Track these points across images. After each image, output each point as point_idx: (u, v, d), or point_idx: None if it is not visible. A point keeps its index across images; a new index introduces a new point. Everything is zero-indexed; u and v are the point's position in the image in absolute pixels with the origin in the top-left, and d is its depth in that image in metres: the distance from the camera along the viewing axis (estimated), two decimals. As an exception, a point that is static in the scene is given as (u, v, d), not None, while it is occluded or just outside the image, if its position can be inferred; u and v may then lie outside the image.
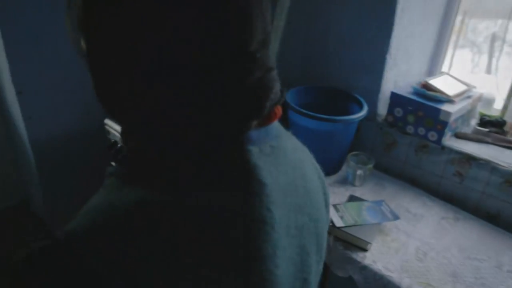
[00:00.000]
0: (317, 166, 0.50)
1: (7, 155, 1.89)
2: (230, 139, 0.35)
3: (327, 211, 0.51)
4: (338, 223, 1.05)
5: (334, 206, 1.12)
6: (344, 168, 1.37)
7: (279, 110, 0.39)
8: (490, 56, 1.61)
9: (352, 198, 1.19)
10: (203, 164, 0.34)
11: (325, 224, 0.49)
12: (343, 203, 1.16)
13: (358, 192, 1.25)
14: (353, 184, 1.29)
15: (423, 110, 1.26)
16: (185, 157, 0.35)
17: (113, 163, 1.41)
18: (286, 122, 1.34)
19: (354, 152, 1.33)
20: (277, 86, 0.36)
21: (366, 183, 1.30)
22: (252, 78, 0.33)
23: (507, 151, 1.23)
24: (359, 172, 1.25)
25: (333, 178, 1.33)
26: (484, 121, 1.36)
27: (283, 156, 0.39)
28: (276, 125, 0.40)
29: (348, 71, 1.46)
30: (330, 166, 1.34)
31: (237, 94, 0.33)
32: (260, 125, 0.36)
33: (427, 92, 1.28)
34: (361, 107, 1.30)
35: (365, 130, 1.45)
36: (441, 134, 1.24)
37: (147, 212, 0.32)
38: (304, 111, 1.20)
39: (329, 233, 1.05)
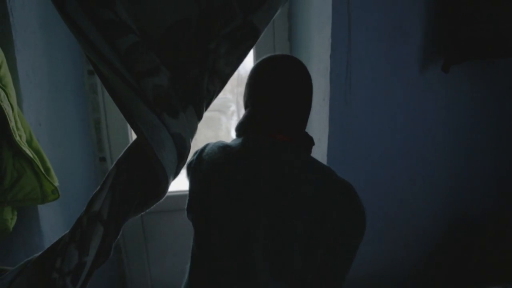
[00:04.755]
0: (325, 190, 0.74)
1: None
2: (248, 133, 0.85)
3: (314, 221, 0.71)
4: None
5: None
6: None
7: (279, 137, 0.83)
8: None
9: None
10: (244, 136, 0.85)
11: (293, 223, 0.72)
12: None
13: None
14: None
15: None
16: (242, 130, 0.86)
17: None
18: None
19: None
20: (284, 125, 0.84)
21: None
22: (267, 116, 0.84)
23: None
24: None
25: None
26: None
27: (264, 156, 0.79)
28: (274, 142, 0.81)
29: None
30: None
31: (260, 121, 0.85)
32: (257, 134, 0.84)
33: None
34: None
35: None
36: None
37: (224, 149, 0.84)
38: None
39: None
